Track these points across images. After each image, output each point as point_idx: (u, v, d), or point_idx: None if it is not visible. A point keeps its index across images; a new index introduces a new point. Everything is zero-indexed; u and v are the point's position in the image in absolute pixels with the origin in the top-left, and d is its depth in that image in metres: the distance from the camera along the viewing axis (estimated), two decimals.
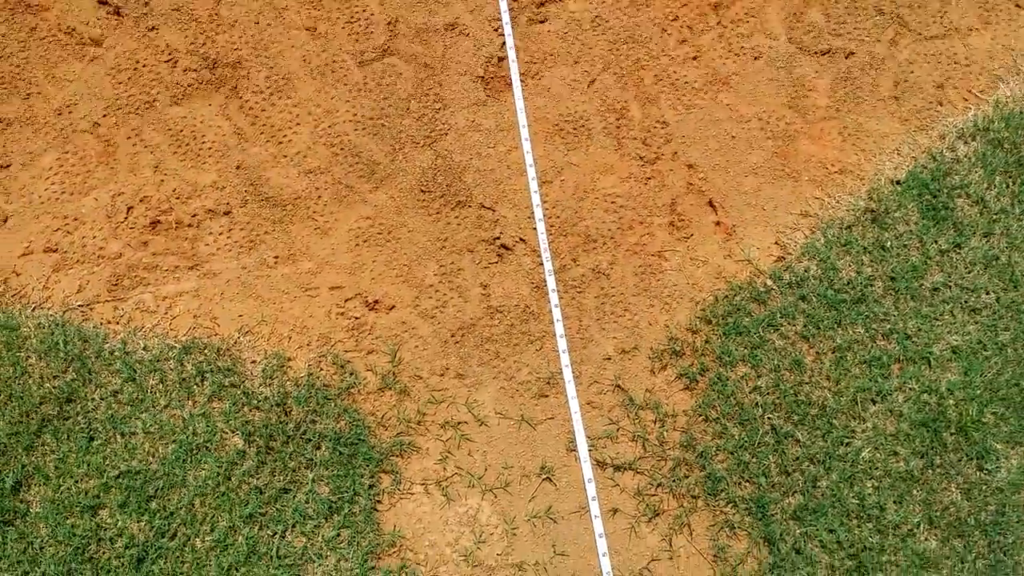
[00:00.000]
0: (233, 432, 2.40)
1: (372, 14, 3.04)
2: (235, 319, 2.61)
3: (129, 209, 2.75)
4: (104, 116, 2.89)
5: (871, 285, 2.61)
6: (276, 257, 2.71)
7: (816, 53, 2.99)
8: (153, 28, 3.01)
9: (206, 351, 2.53)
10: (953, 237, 2.65)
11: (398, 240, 2.75)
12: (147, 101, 2.91)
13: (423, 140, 2.88)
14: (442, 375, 2.57)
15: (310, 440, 2.42)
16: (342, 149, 2.86)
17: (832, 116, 2.90)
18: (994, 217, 2.67)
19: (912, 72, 2.96)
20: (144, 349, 2.52)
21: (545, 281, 2.69)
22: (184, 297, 2.64)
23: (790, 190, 2.81)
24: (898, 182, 2.75)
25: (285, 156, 2.85)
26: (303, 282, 2.68)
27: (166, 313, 2.62)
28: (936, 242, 2.65)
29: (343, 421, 2.46)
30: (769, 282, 2.66)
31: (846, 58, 2.98)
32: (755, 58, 2.99)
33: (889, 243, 2.66)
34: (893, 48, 2.99)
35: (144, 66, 2.96)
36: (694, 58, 2.99)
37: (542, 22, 3.06)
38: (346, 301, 2.66)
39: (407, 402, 2.52)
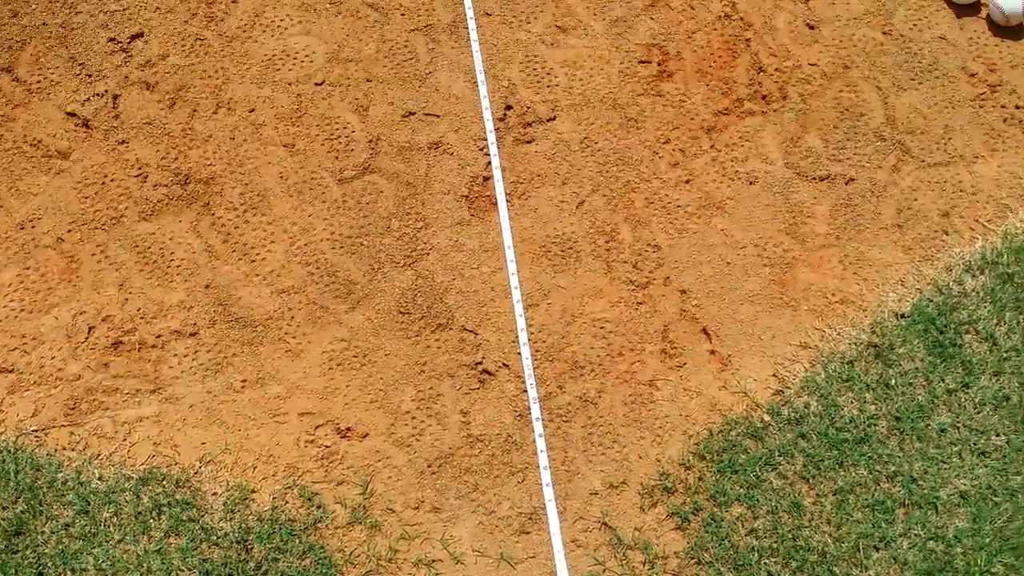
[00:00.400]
0: (190, 570, 2.79)
1: (353, 131, 3.65)
2: (197, 447, 3.04)
3: (90, 329, 3.24)
4: (68, 231, 3.43)
5: (875, 424, 3.08)
6: (244, 381, 3.17)
7: (814, 179, 3.58)
8: (123, 142, 3.60)
9: (164, 482, 2.95)
10: (961, 376, 3.14)
11: (374, 364, 3.22)
12: (114, 217, 3.46)
13: (403, 260, 3.41)
14: (417, 508, 2.98)
15: None
16: (318, 268, 3.38)
17: (832, 244, 3.46)
18: (1004, 355, 3.17)
19: (915, 200, 3.54)
20: (100, 479, 2.94)
21: (529, 409, 3.15)
22: (144, 423, 3.08)
23: (788, 320, 3.32)
24: (903, 316, 3.27)
25: (258, 275, 3.36)
26: (271, 408, 3.13)
27: (124, 440, 3.05)
28: (943, 380, 3.14)
29: (308, 559, 2.85)
30: (767, 417, 3.11)
31: (846, 184, 3.57)
32: (750, 183, 3.58)
33: (894, 380, 3.14)
34: (895, 175, 3.59)
35: (112, 180, 3.53)
36: (687, 181, 3.57)
37: (529, 142, 3.66)
38: (316, 428, 3.10)
39: (378, 537, 2.92)
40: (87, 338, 3.23)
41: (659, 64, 3.82)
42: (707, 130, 3.70)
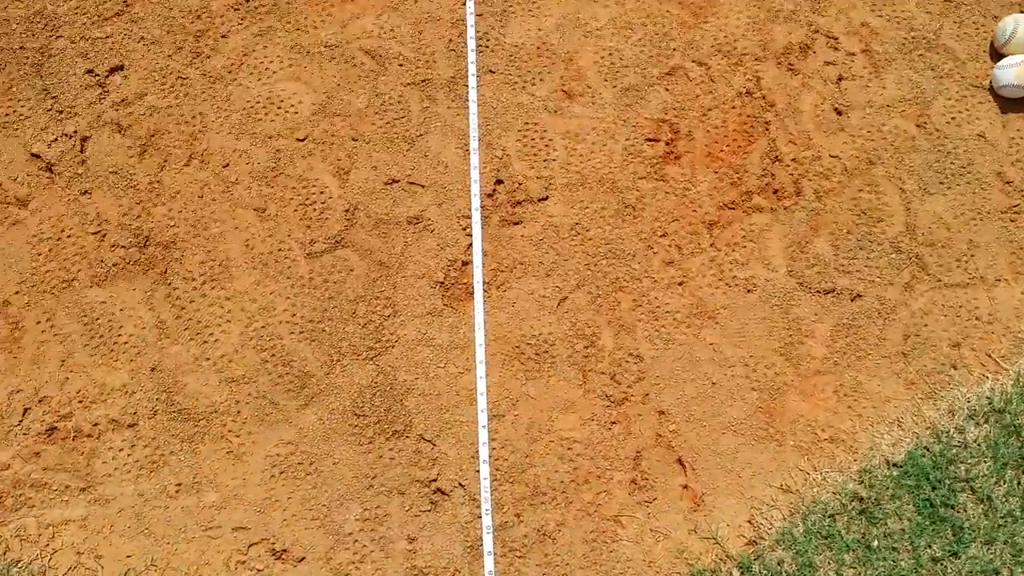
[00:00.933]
0: None
1: (330, 198, 3.05)
2: (122, 560, 2.56)
3: (25, 410, 2.74)
4: (16, 293, 2.89)
5: None
6: (178, 485, 2.67)
7: (818, 292, 2.94)
8: (86, 192, 3.03)
9: None
10: (950, 542, 2.55)
11: (320, 474, 2.70)
12: (65, 280, 2.91)
13: (365, 352, 2.85)
14: None
15: None
16: (273, 355, 2.83)
17: (828, 370, 2.84)
18: (999, 522, 2.57)
19: (926, 325, 2.90)
20: None
21: (481, 540, 2.62)
22: (70, 527, 2.60)
23: (772, 456, 2.74)
24: (895, 465, 2.67)
25: (208, 359, 2.82)
26: (205, 518, 2.63)
27: (47, 545, 2.58)
28: (930, 547, 2.55)
29: None
30: (736, 573, 2.56)
31: (851, 301, 2.93)
32: (748, 291, 2.95)
33: (876, 542, 2.56)
34: (907, 294, 2.94)
35: (69, 237, 2.97)
36: (680, 283, 2.95)
37: (516, 224, 3.04)
38: (250, 547, 2.60)
39: None
40: (21, 421, 2.72)
41: (667, 143, 3.14)
42: (709, 225, 3.05)
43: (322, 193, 3.05)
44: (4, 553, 2.55)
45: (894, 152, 3.13)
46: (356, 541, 2.62)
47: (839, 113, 3.20)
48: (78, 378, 2.78)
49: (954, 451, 2.69)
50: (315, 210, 3.03)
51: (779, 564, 2.57)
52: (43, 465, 2.67)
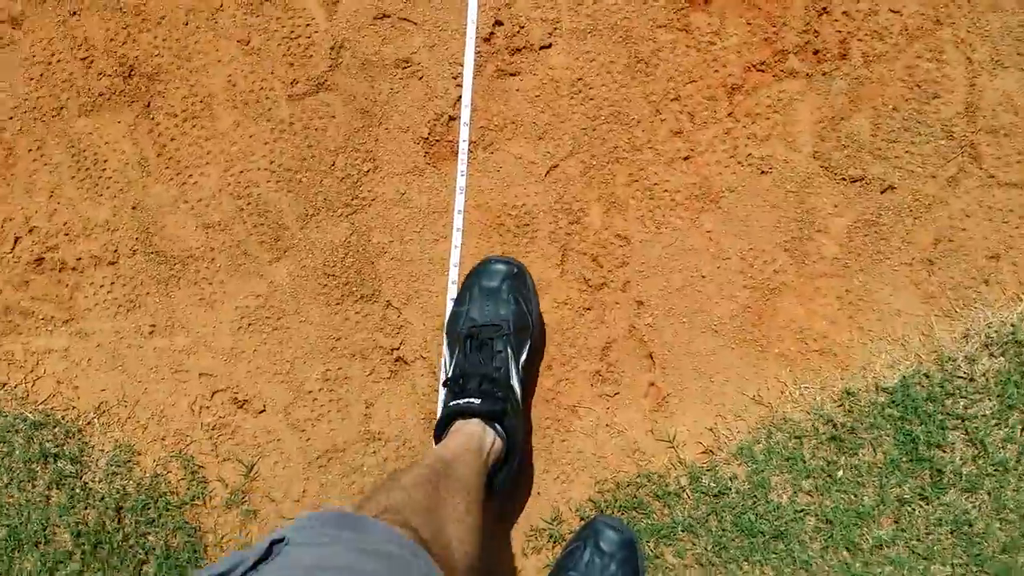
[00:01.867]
0: (65, 529, 2.66)
1: (316, 31, 2.95)
2: (96, 393, 2.83)
3: (16, 239, 2.94)
4: (10, 118, 3.02)
5: (801, 520, 2.53)
6: (152, 326, 2.86)
7: (844, 179, 2.69)
8: (74, 13, 3.08)
9: (56, 430, 2.78)
10: (925, 485, 2.48)
11: (287, 330, 2.82)
12: (56, 107, 3.03)
13: (342, 208, 2.87)
14: (297, 501, 2.74)
15: (137, 555, 2.64)
16: (249, 203, 2.90)
17: (837, 272, 2.65)
18: (988, 470, 2.47)
19: (964, 230, 2.63)
20: (1, 414, 2.76)
21: (436, 414, 2.70)
22: (52, 356, 2.87)
23: (751, 363, 2.65)
24: (884, 389, 2.51)
25: (186, 202, 2.92)
26: (175, 362, 2.84)
27: (31, 371, 2.87)
28: (901, 487, 2.48)
29: (178, 537, 2.67)
30: (684, 481, 2.58)
31: (881, 193, 2.67)
32: (762, 172, 2.72)
33: (841, 472, 2.52)
34: (950, 190, 2.63)
35: (59, 62, 3.05)
36: (685, 158, 2.75)
37: (512, 75, 2.86)
38: (214, 394, 2.81)
39: (252, 526, 2.71)
40: (12, 249, 2.94)
41: None
42: (731, 90, 2.78)
43: (308, 26, 2.96)
44: None
45: (970, 10, 2.73)
46: (315, 400, 2.79)
47: None
48: (65, 210, 2.96)
49: (957, 383, 2.54)
50: (300, 46, 2.95)
51: (732, 479, 2.58)
52: (31, 294, 2.93)
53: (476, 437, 2.45)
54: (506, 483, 2.56)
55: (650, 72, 2.93)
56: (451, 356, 2.72)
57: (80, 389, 2.98)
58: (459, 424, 2.51)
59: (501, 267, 2.77)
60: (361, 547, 1.63)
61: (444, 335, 2.83)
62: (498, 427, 2.47)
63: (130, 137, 3.10)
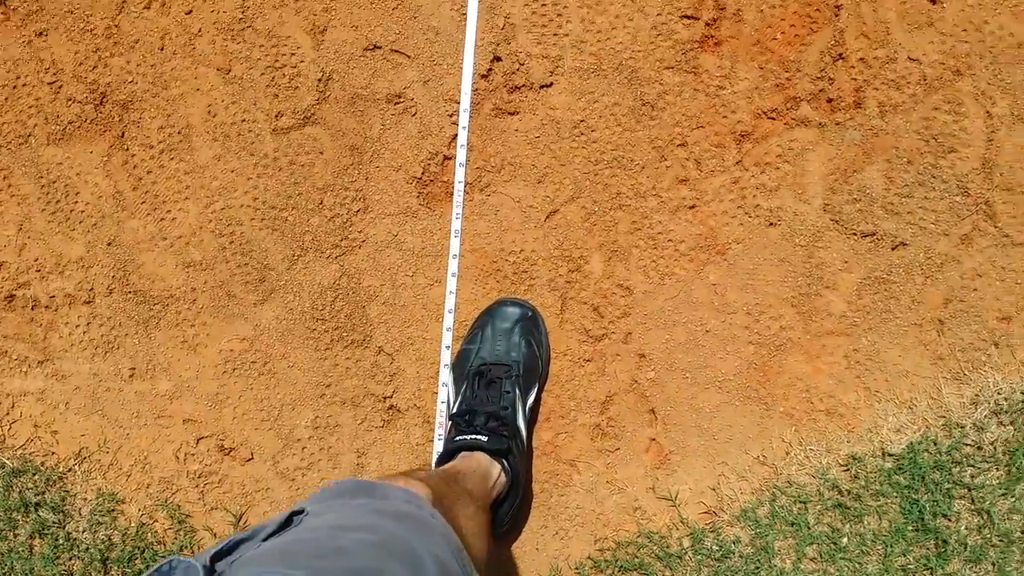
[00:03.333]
0: None
1: (301, 62, 2.92)
2: (76, 438, 2.84)
3: None
4: None
5: None
6: (133, 369, 2.87)
7: (855, 234, 2.74)
8: (41, 33, 3.02)
9: (36, 477, 2.76)
10: (930, 555, 2.56)
11: (274, 375, 2.83)
12: (22, 135, 3.01)
13: (331, 249, 2.86)
14: None
15: None
16: (232, 242, 2.88)
17: (845, 330, 2.71)
18: (993, 541, 2.57)
19: (975, 290, 2.69)
20: None
21: (431, 465, 2.73)
22: (28, 399, 2.87)
23: (756, 421, 2.71)
24: (891, 455, 2.58)
25: (165, 239, 2.89)
26: (157, 407, 2.84)
27: (7, 414, 2.90)
28: (905, 556, 2.56)
29: None
30: (686, 542, 2.65)
31: (892, 249, 2.72)
32: (771, 224, 2.75)
33: (846, 540, 2.60)
34: (962, 248, 2.70)
35: (25, 85, 3.00)
36: (691, 207, 2.78)
37: (512, 114, 2.85)
38: (199, 441, 2.82)
39: None
40: None
41: (708, 24, 2.84)
42: (740, 137, 2.80)
43: (293, 55, 2.92)
44: None
45: (991, 61, 2.75)
46: (305, 448, 2.81)
47: (933, 1, 2.76)
48: (36, 245, 2.93)
49: (965, 451, 2.63)
50: (284, 76, 2.92)
51: (735, 543, 2.65)
52: (2, 332, 2.90)
53: (483, 465, 2.53)
54: (508, 517, 2.64)
55: (656, 116, 2.93)
56: (457, 392, 2.77)
57: (59, 434, 2.97)
58: (465, 454, 2.57)
59: (515, 309, 2.82)
60: (379, 508, 1.72)
61: (451, 371, 2.86)
62: (504, 462, 2.54)
63: (103, 169, 3.05)
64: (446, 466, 2.48)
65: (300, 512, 1.61)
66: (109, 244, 3.05)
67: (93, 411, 3.00)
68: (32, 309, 3.04)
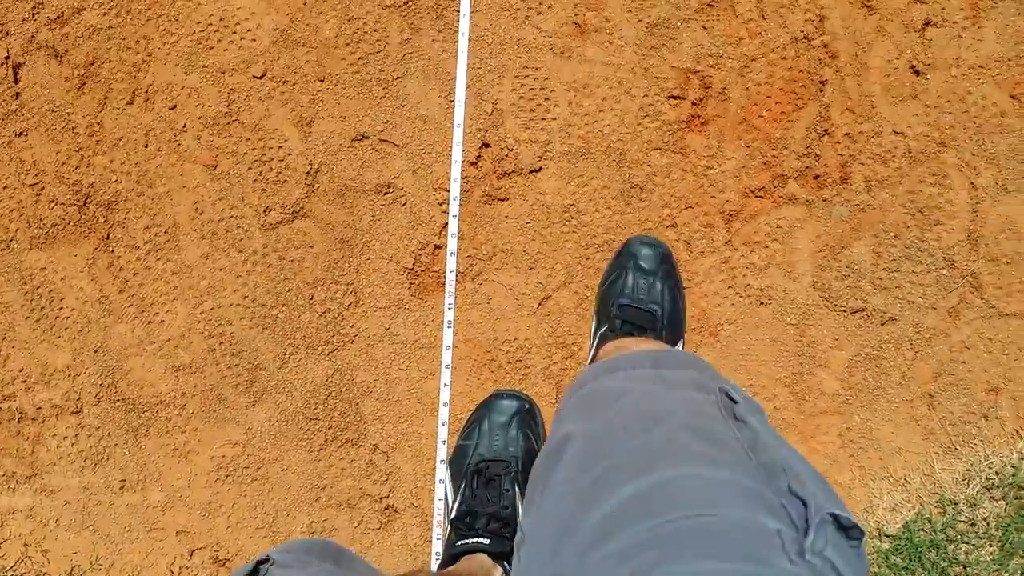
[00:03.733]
0: None
1: (289, 154, 2.92)
2: (68, 556, 2.80)
3: None
4: None
5: None
6: (123, 481, 2.84)
7: (845, 311, 2.78)
8: (21, 133, 2.99)
9: None
10: None
11: (267, 480, 2.81)
12: (4, 239, 3.01)
13: (322, 346, 2.85)
14: None
15: None
16: (222, 343, 2.86)
17: (838, 409, 2.75)
18: None
19: (963, 363, 2.74)
20: None
21: (429, 566, 2.72)
22: (17, 516, 2.82)
23: None
24: (887, 535, 2.63)
25: (153, 343, 2.87)
26: (149, 519, 2.81)
27: None
28: None
29: None
30: None
31: (882, 325, 2.78)
32: (761, 303, 2.80)
33: None
34: (950, 321, 2.74)
35: (5, 188, 2.99)
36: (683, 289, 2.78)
37: (502, 200, 2.87)
38: (193, 553, 2.79)
39: None
40: None
41: (694, 103, 2.89)
42: (728, 216, 2.84)
43: (280, 148, 2.93)
44: None
45: (975, 131, 2.81)
46: None
47: (917, 73, 2.83)
48: (21, 355, 2.90)
49: (959, 528, 2.67)
50: (272, 169, 2.93)
51: None
52: None
53: (485, 567, 2.52)
54: None
55: (645, 198, 2.99)
56: (456, 492, 2.76)
57: (50, 552, 2.93)
58: (467, 558, 2.57)
59: (511, 402, 2.82)
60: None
61: (447, 467, 2.86)
62: (507, 564, 2.54)
63: (88, 272, 3.04)
64: (447, 570, 2.48)
65: (266, 561, 1.63)
66: (96, 351, 3.03)
67: (84, 526, 2.98)
68: (18, 422, 3.01)
